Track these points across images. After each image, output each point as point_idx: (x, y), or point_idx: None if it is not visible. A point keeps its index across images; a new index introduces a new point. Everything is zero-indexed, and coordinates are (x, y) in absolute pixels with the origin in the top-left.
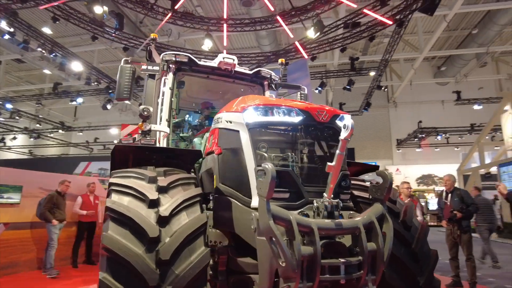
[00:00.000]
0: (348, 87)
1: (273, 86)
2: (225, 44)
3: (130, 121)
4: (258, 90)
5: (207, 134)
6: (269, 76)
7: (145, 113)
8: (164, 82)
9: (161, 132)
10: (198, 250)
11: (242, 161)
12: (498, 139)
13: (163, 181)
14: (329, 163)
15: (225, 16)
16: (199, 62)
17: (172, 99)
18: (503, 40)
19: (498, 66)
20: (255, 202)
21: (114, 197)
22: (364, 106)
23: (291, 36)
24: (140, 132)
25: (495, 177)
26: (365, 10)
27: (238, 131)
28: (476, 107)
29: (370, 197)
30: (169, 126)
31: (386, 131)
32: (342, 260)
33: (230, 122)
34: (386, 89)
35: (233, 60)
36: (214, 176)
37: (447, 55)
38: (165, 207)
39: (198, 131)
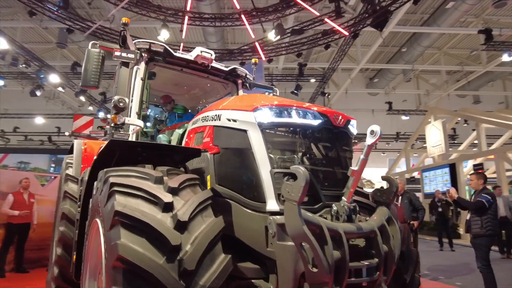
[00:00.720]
0: (295, 91)
1: (247, 85)
2: (183, 37)
3: (58, 110)
4: (231, 88)
5: (178, 131)
6: (244, 74)
7: (121, 104)
8: (136, 72)
9: (133, 126)
10: (220, 257)
11: (251, 163)
12: (416, 147)
13: (172, 182)
14: (352, 168)
15: (188, 8)
16: (174, 54)
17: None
18: (424, 60)
19: (419, 82)
20: (271, 205)
21: (120, 199)
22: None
23: (253, 36)
24: (112, 125)
25: (418, 181)
26: (326, 20)
27: (245, 131)
28: (404, 117)
29: (374, 200)
30: (139, 119)
31: None
32: (366, 263)
33: (234, 120)
34: (329, 96)
35: (211, 54)
36: (208, 177)
37: (379, 68)
38: (183, 211)
39: (162, 126)
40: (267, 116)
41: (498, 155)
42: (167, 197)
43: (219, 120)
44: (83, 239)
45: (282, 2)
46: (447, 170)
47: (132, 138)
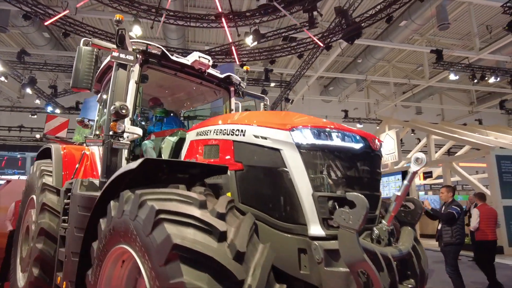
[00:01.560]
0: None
1: (240, 93)
2: (156, 34)
3: None
4: (223, 95)
5: (170, 138)
6: (238, 82)
7: (123, 111)
8: (128, 75)
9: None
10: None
11: (286, 183)
12: None
13: (218, 206)
14: (396, 193)
15: (167, 6)
16: (171, 57)
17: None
18: (375, 71)
19: (369, 92)
20: (315, 230)
21: (172, 229)
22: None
23: (230, 40)
24: (111, 133)
25: None
26: (305, 30)
27: (278, 150)
28: (358, 125)
29: (398, 220)
30: (133, 125)
31: None
32: (410, 285)
33: (264, 138)
34: (292, 102)
35: (209, 60)
36: (228, 194)
37: (334, 76)
38: (239, 241)
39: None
40: (306, 137)
41: (445, 164)
42: (221, 226)
43: (243, 135)
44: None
45: (260, 8)
46: (399, 176)
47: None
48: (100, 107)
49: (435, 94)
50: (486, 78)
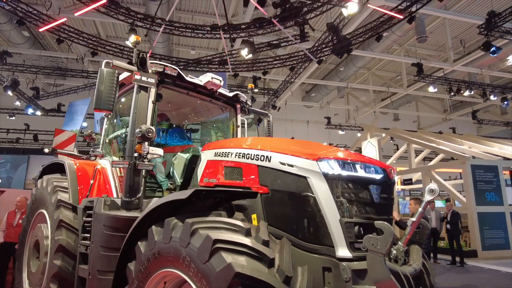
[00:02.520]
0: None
1: (246, 110)
2: (154, 44)
3: None
4: (230, 112)
5: (182, 155)
6: (245, 100)
7: (150, 134)
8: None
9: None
10: None
11: (313, 208)
12: None
13: (262, 234)
14: (412, 219)
15: (167, 18)
16: (186, 78)
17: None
18: (356, 79)
19: (349, 99)
20: (343, 252)
21: (229, 257)
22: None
23: (226, 51)
24: (135, 155)
25: None
26: (301, 45)
27: (305, 177)
28: (340, 132)
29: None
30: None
31: None
32: None
33: (291, 165)
34: (279, 110)
35: (220, 81)
36: (253, 215)
37: (316, 83)
38: (286, 267)
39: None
40: (333, 167)
41: (424, 172)
42: (270, 253)
43: (269, 161)
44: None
45: (256, 21)
46: None
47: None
48: (107, 120)
49: (412, 101)
50: (462, 91)
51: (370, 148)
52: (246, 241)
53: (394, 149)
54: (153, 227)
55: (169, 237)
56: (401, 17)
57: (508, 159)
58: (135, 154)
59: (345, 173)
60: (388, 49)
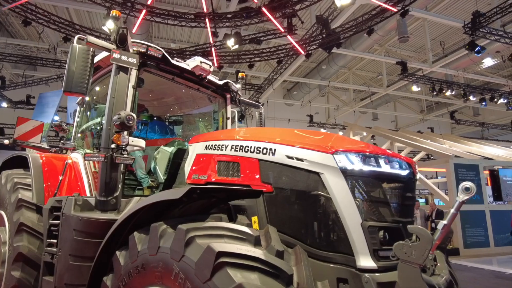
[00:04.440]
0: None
1: (236, 100)
2: (134, 31)
3: None
4: (219, 101)
5: (166, 149)
6: (236, 90)
7: (130, 122)
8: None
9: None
10: None
11: (327, 210)
12: None
13: (275, 243)
14: (443, 221)
15: (149, 2)
16: (172, 61)
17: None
18: (337, 77)
19: (329, 97)
20: (366, 262)
21: (237, 275)
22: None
23: (211, 41)
24: (113, 146)
25: None
26: (288, 37)
27: (317, 173)
28: (322, 130)
29: None
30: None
31: None
32: None
33: (300, 159)
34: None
35: (210, 66)
36: (254, 218)
37: (297, 81)
38: (308, 285)
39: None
40: (352, 162)
41: None
42: (288, 269)
43: (273, 155)
44: None
45: (243, 11)
46: None
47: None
48: (81, 108)
49: (391, 101)
50: (444, 91)
51: None
52: (257, 253)
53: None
54: (135, 233)
55: (156, 247)
56: (395, 10)
57: (489, 158)
58: (113, 146)
59: (367, 168)
60: (369, 49)
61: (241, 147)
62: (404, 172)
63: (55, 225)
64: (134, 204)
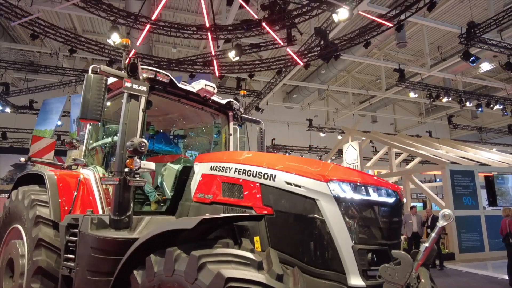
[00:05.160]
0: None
1: (238, 118)
2: (137, 44)
3: None
4: (222, 119)
5: (172, 166)
6: (238, 108)
7: (142, 148)
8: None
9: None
10: None
11: (322, 233)
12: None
13: (276, 267)
14: (425, 244)
15: (153, 17)
16: (178, 85)
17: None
18: (336, 81)
19: (328, 100)
20: (356, 281)
21: None
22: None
23: (213, 53)
24: (126, 170)
25: None
26: (288, 49)
27: (313, 199)
28: (321, 134)
29: None
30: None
31: (241, 147)
32: None
33: (298, 186)
34: (262, 112)
35: (214, 88)
36: (256, 238)
37: (297, 85)
38: None
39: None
40: (344, 190)
41: (405, 176)
42: None
43: (273, 180)
44: None
45: (243, 23)
46: None
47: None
48: (90, 127)
49: (390, 104)
50: (440, 97)
51: (351, 151)
52: (260, 277)
53: (372, 151)
54: (152, 256)
55: (171, 269)
56: (391, 25)
57: (484, 164)
58: (126, 170)
59: (357, 196)
60: (368, 53)
61: (244, 171)
62: (391, 200)
63: (72, 241)
64: (145, 224)
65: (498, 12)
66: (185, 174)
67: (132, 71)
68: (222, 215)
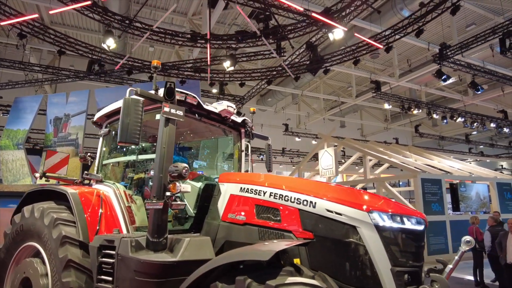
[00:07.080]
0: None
1: (250, 134)
2: (133, 49)
3: None
4: (234, 135)
5: (194, 183)
6: (250, 125)
7: (186, 174)
8: None
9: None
10: None
11: (362, 256)
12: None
13: None
14: (450, 265)
15: (154, 26)
16: (204, 106)
17: None
18: (309, 86)
19: (300, 105)
20: None
21: None
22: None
23: (209, 62)
24: (168, 194)
25: None
26: (282, 63)
27: (354, 227)
28: (297, 139)
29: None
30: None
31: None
32: None
33: (339, 214)
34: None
35: (234, 109)
36: (296, 260)
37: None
38: None
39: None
40: (384, 219)
41: (378, 182)
42: None
43: (313, 207)
44: None
45: (238, 34)
46: None
47: None
48: (103, 140)
49: (358, 110)
50: (412, 109)
51: (327, 157)
52: None
53: (342, 154)
54: (218, 283)
55: None
56: (381, 47)
57: (449, 173)
58: (168, 193)
59: (395, 225)
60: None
61: (281, 196)
62: (421, 227)
63: (106, 263)
64: (186, 245)
65: (459, 29)
66: (207, 191)
67: (170, 95)
68: (288, 242)
